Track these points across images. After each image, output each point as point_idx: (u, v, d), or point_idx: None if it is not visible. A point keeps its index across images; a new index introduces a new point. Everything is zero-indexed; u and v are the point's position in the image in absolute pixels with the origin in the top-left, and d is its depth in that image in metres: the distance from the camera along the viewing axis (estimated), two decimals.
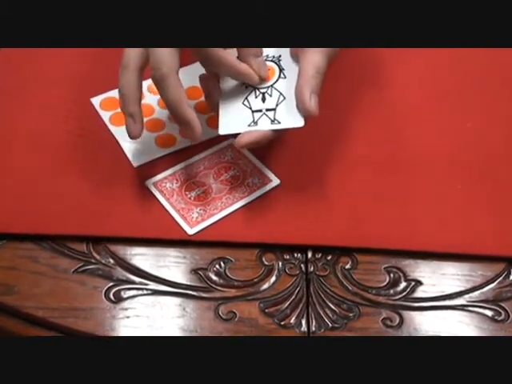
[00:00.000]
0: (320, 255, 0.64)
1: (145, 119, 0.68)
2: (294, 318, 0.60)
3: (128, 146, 0.69)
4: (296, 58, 0.64)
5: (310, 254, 0.64)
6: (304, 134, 0.69)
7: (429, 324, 0.60)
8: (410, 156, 0.70)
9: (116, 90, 0.64)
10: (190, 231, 0.64)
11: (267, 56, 0.65)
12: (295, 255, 0.64)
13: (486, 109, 0.74)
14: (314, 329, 0.60)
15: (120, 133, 0.70)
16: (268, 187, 0.67)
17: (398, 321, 0.60)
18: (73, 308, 0.60)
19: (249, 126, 0.63)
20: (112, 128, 0.71)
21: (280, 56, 0.65)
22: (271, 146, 0.68)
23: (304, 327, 0.60)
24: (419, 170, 0.69)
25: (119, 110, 0.65)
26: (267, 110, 0.63)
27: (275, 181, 0.67)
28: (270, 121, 0.63)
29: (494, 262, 0.64)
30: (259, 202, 0.66)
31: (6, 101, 0.74)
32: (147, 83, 0.72)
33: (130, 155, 0.69)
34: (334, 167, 0.69)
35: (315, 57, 0.62)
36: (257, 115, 0.63)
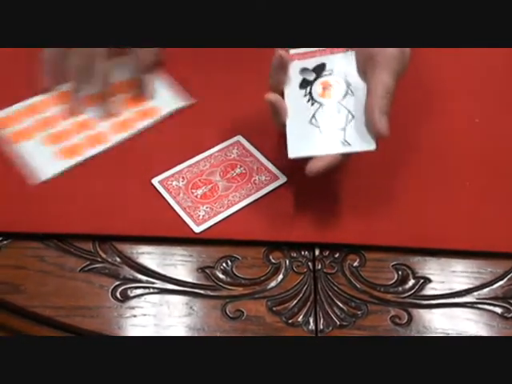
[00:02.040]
0: (327, 253, 0.64)
1: (43, 134, 0.69)
2: (301, 317, 0.60)
3: (33, 160, 0.67)
4: (363, 76, 0.62)
5: (317, 252, 0.64)
6: None
7: (438, 322, 0.60)
8: (418, 153, 0.70)
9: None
10: (197, 229, 0.64)
11: (331, 71, 0.63)
12: (302, 253, 0.64)
13: (495, 105, 0.74)
14: (321, 327, 0.59)
15: (23, 148, 0.69)
16: (275, 185, 0.67)
17: (406, 319, 0.60)
18: (79, 307, 0.60)
19: (319, 149, 0.61)
20: (12, 146, 0.69)
21: (346, 70, 0.63)
22: (278, 143, 0.68)
23: (312, 325, 0.59)
24: (427, 167, 0.69)
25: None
26: (336, 130, 0.61)
27: (282, 178, 0.67)
28: (340, 143, 0.61)
29: (503, 259, 0.63)
30: (266, 199, 0.66)
31: None
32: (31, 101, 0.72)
33: (35, 169, 0.67)
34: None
35: (384, 76, 0.60)
36: (326, 136, 0.61)
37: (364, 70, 0.62)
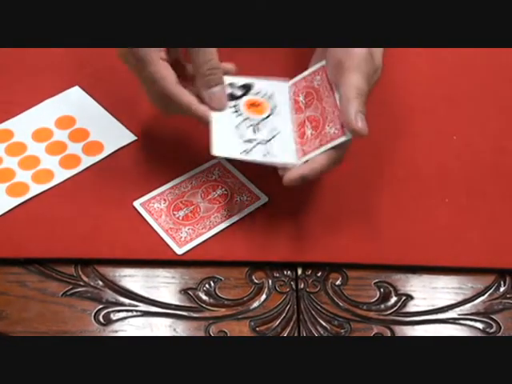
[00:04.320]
0: (310, 272, 0.64)
1: None
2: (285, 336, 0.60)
3: None
4: (335, 83, 0.63)
5: (299, 271, 0.64)
6: None
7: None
8: (398, 170, 0.70)
9: None
10: (179, 251, 0.64)
11: (259, 92, 0.65)
12: (285, 272, 0.64)
13: (473, 121, 0.75)
14: None
15: None
16: (256, 205, 0.67)
17: (389, 336, 0.60)
18: (62, 332, 0.60)
19: (241, 153, 0.62)
20: None
21: (273, 94, 0.65)
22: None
23: None
24: (407, 185, 0.69)
25: None
26: (259, 142, 0.63)
27: (263, 198, 0.67)
28: (262, 153, 0.62)
29: (484, 275, 0.64)
30: (248, 219, 0.66)
31: None
32: None
33: None
34: (321, 183, 0.69)
35: (354, 79, 0.61)
36: (249, 145, 0.63)
37: (335, 77, 0.63)
